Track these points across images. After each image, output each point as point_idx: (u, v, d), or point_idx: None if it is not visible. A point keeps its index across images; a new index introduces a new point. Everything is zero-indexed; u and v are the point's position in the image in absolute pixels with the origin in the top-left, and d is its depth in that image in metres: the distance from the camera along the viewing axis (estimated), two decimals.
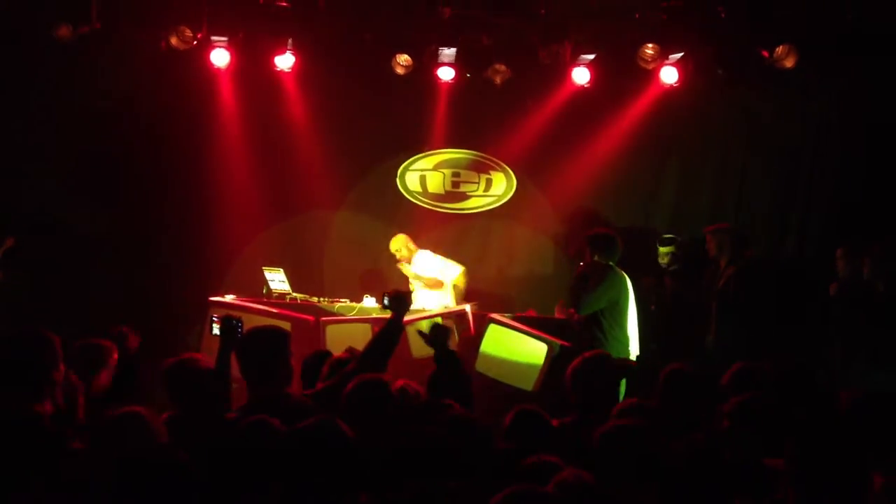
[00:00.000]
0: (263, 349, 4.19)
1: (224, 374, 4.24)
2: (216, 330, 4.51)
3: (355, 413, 3.76)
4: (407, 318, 7.38)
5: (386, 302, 4.72)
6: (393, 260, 8.63)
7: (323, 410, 3.81)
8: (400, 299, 4.68)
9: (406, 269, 8.50)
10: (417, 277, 8.44)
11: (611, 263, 6.95)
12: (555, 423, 4.18)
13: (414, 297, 8.02)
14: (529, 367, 7.22)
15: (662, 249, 8.05)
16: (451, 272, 8.48)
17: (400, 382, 4.86)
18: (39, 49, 8.09)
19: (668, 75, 8.15)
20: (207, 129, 8.90)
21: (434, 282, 8.46)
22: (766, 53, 7.78)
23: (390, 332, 4.58)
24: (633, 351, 7.02)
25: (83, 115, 8.56)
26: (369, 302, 8.01)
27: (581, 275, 6.98)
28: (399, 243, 8.56)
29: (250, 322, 4.94)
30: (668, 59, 8.04)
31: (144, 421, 3.39)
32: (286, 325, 7.50)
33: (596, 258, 6.95)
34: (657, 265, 8.10)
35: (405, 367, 6.08)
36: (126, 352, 5.03)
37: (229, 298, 8.00)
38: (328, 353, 5.13)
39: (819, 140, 8.33)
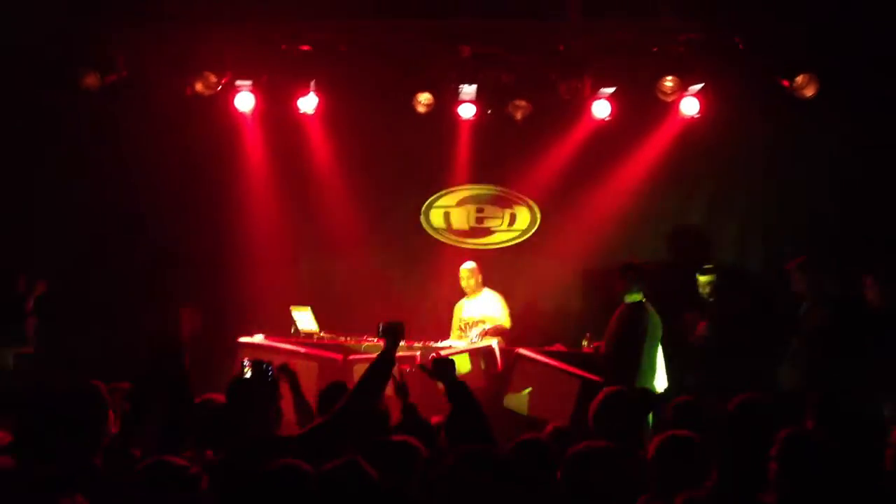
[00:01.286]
0: (261, 393, 4.24)
1: (243, 412, 4.19)
2: (247, 374, 4.52)
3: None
4: (434, 355, 7.52)
5: (380, 331, 4.51)
6: (453, 293, 8.55)
7: (314, 449, 3.79)
8: (393, 329, 4.45)
9: (462, 311, 8.41)
10: (479, 322, 8.32)
11: (643, 300, 6.93)
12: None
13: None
14: (561, 401, 7.17)
15: (702, 279, 7.85)
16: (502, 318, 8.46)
17: (436, 419, 4.87)
18: (67, 97, 8.24)
19: (689, 107, 8.16)
20: (233, 172, 9.02)
21: (500, 329, 8.33)
22: (786, 83, 7.78)
23: (382, 363, 4.35)
24: (661, 384, 6.98)
25: (110, 162, 8.69)
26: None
27: (625, 321, 6.91)
28: (470, 273, 8.49)
29: (280, 362, 4.98)
30: (687, 90, 8.06)
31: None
32: (314, 365, 7.57)
33: (631, 289, 6.92)
34: (696, 296, 7.96)
35: (435, 405, 6.08)
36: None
37: (258, 338, 8.04)
38: (345, 385, 5.10)
39: (842, 170, 8.27)
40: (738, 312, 7.75)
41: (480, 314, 8.39)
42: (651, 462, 3.77)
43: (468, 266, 8.54)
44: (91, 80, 8.03)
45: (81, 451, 3.82)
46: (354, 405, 4.16)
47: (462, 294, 8.65)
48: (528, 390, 7.42)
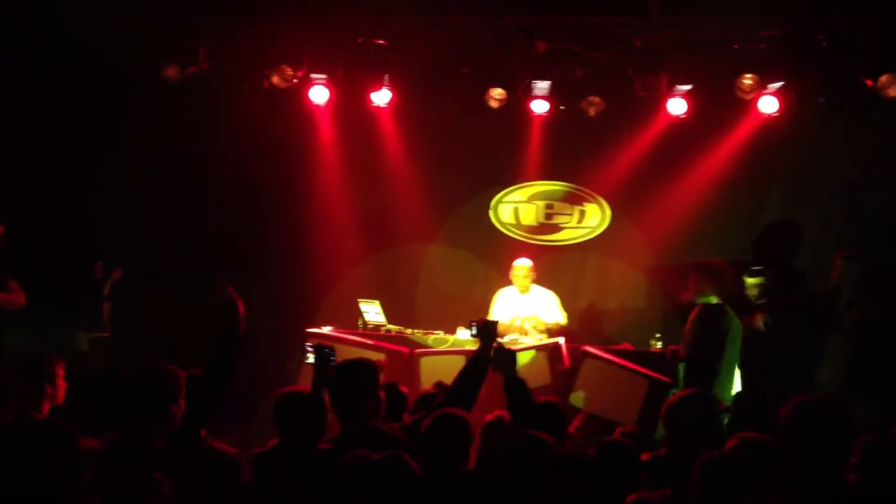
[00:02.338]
0: (352, 382, 4.20)
1: (318, 402, 4.24)
2: (310, 359, 4.55)
3: (433, 448, 3.75)
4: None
5: (474, 331, 4.63)
6: (509, 286, 8.45)
7: (412, 443, 3.82)
8: (488, 328, 4.56)
9: (516, 307, 8.34)
10: (534, 318, 8.29)
11: (717, 301, 6.79)
12: (645, 456, 4.12)
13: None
14: (627, 401, 7.09)
15: (750, 281, 7.73)
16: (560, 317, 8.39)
17: (496, 413, 4.86)
18: (147, 88, 8.42)
19: (768, 105, 8.00)
20: (306, 164, 9.14)
21: (560, 327, 8.24)
22: (869, 82, 7.58)
23: (478, 362, 4.48)
24: (736, 387, 6.86)
25: (187, 152, 8.87)
26: (463, 334, 8.04)
27: (704, 323, 6.79)
28: (529, 270, 8.32)
29: (346, 353, 5.03)
30: (766, 88, 7.90)
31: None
32: (381, 357, 7.62)
33: (707, 290, 6.79)
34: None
35: (500, 397, 6.08)
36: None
37: (326, 330, 8.12)
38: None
39: None
40: (790, 313, 7.58)
41: (536, 311, 8.31)
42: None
43: (526, 263, 8.39)
44: (172, 72, 8.21)
45: (150, 432, 3.89)
46: (451, 401, 4.22)
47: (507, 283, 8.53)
48: (595, 388, 7.33)
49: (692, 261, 7.19)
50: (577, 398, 7.34)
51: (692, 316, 6.93)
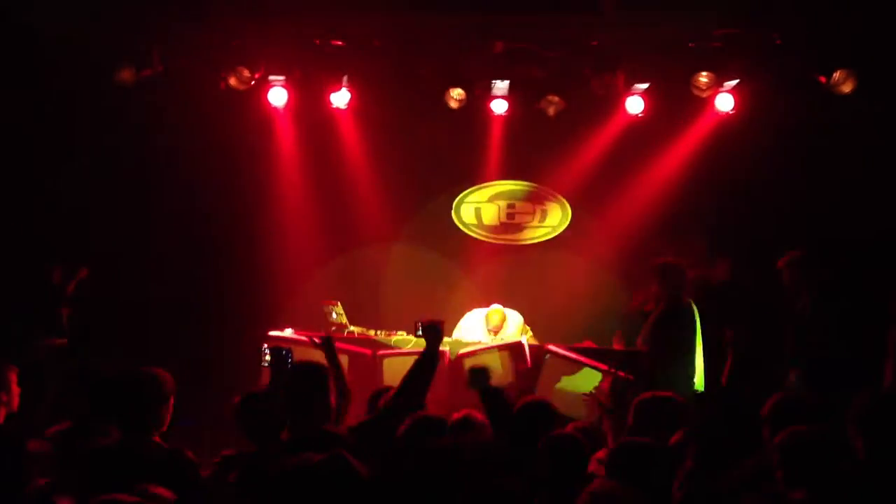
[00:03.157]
0: (301, 385, 4.13)
1: (273, 404, 4.16)
2: (265, 361, 4.51)
3: (412, 451, 3.72)
4: (464, 350, 7.53)
5: (419, 332, 4.53)
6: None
7: (360, 446, 3.79)
8: (433, 329, 4.45)
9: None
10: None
11: (679, 296, 6.86)
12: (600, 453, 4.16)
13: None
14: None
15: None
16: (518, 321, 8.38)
17: (464, 412, 4.85)
18: (101, 91, 8.31)
19: (724, 103, 8.08)
20: (266, 167, 9.08)
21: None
22: (822, 79, 7.68)
23: (425, 363, 4.36)
24: (697, 383, 6.92)
25: (143, 155, 8.77)
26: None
27: (663, 314, 6.85)
28: (500, 316, 8.22)
29: (308, 356, 4.98)
30: (723, 86, 7.99)
31: None
32: (343, 359, 7.54)
33: (664, 289, 6.85)
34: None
35: (462, 400, 6.07)
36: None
37: (287, 332, 8.07)
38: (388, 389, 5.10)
39: (879, 168, 8.15)
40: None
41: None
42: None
43: (498, 308, 8.28)
44: (127, 75, 8.10)
45: (145, 437, 3.86)
46: (400, 404, 4.16)
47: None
48: (556, 385, 7.36)
49: (650, 261, 7.22)
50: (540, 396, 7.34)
51: (655, 312, 7.00)
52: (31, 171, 8.41)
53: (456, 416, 4.76)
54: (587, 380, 7.29)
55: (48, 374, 7.53)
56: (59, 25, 7.27)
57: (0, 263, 8.06)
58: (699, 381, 7.01)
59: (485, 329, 8.25)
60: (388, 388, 5.09)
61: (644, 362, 6.88)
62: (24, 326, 7.91)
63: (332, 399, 4.19)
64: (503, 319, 8.24)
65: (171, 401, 4.01)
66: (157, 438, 3.87)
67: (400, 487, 3.24)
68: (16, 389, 4.83)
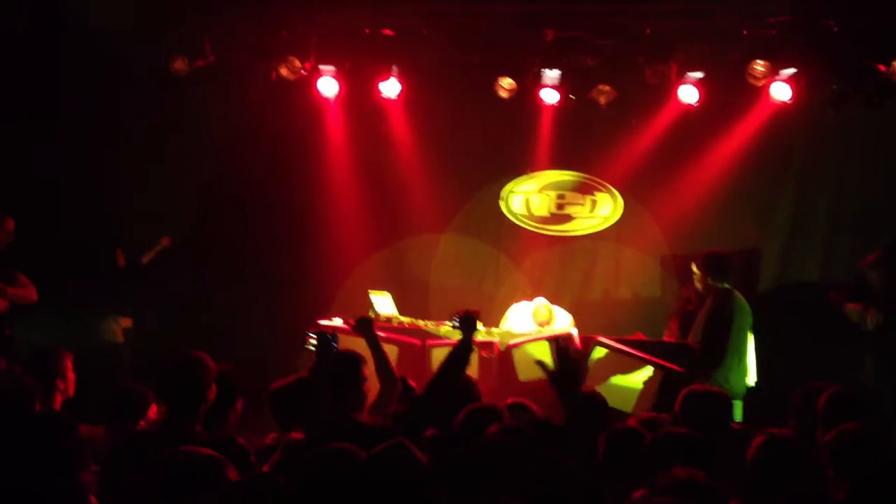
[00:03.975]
0: (335, 373, 4.16)
1: (316, 390, 4.15)
2: (310, 346, 4.46)
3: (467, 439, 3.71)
4: (514, 341, 7.49)
5: (455, 322, 4.47)
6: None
7: (396, 434, 3.79)
8: (469, 320, 4.43)
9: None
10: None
11: (728, 286, 6.74)
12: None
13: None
14: (632, 390, 7.05)
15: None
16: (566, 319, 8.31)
17: (510, 400, 4.82)
18: (155, 81, 8.42)
19: (780, 92, 7.93)
20: (316, 157, 9.12)
21: None
22: (882, 67, 7.50)
23: (459, 354, 4.35)
24: (752, 378, 6.81)
25: (195, 145, 8.86)
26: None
27: (711, 309, 6.73)
28: (547, 311, 8.09)
29: (356, 346, 4.99)
30: (779, 75, 7.83)
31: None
32: (393, 349, 7.59)
33: (710, 281, 6.75)
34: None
35: (512, 391, 6.06)
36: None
37: (336, 322, 8.10)
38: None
39: None
40: None
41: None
42: (751, 463, 3.65)
43: (543, 302, 8.17)
44: (179, 65, 8.19)
45: (191, 419, 3.91)
46: (434, 394, 4.16)
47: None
48: (604, 377, 7.29)
49: (697, 252, 7.10)
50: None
51: (704, 307, 6.89)
52: (87, 160, 8.54)
53: (509, 401, 4.77)
54: (637, 373, 7.22)
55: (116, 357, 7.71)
56: (113, 18, 7.34)
57: (64, 249, 8.20)
58: (751, 376, 6.91)
59: (533, 323, 8.21)
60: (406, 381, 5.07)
61: (694, 356, 6.79)
62: (92, 310, 8.08)
63: (365, 387, 4.21)
64: (550, 314, 8.17)
65: (213, 387, 4.05)
66: (198, 427, 3.90)
67: (458, 476, 3.23)
68: (71, 376, 4.91)
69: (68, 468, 3.23)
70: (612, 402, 7.09)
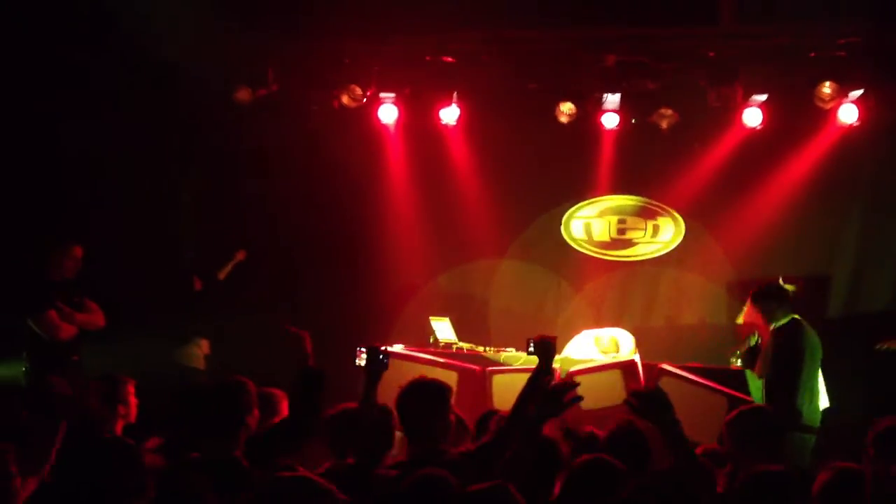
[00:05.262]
0: (422, 404, 4.07)
1: (368, 410, 4.08)
2: (360, 361, 4.34)
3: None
4: (575, 368, 7.40)
5: (531, 349, 4.35)
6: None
7: (477, 468, 3.72)
8: (546, 346, 4.32)
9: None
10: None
11: (795, 318, 6.55)
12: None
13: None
14: (707, 419, 6.87)
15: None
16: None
17: (588, 429, 4.74)
18: (219, 110, 8.56)
19: (848, 114, 7.76)
20: (376, 183, 9.17)
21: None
22: None
23: (538, 381, 4.21)
24: (823, 404, 6.61)
25: (259, 173, 8.97)
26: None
27: (773, 340, 6.54)
28: (611, 342, 7.93)
29: (418, 372, 4.96)
30: (847, 97, 7.67)
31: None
32: (452, 375, 7.56)
33: (772, 312, 6.53)
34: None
35: (577, 419, 5.97)
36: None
37: (397, 348, 8.10)
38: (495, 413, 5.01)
39: None
40: None
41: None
42: (817, 497, 3.54)
43: (610, 334, 7.97)
44: (243, 94, 8.33)
45: (229, 446, 3.89)
46: (515, 423, 4.05)
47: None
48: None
49: (750, 287, 6.88)
50: None
51: (769, 336, 6.68)
52: (157, 189, 8.69)
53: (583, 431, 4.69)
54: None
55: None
56: (177, 46, 7.49)
57: (140, 276, 8.31)
58: (820, 402, 6.69)
59: (596, 352, 8.10)
60: (495, 412, 5.01)
61: (768, 390, 6.60)
62: (173, 337, 8.18)
63: (452, 417, 4.13)
64: (615, 344, 8.03)
65: (255, 412, 4.03)
66: (237, 453, 3.89)
67: None
68: (133, 402, 4.98)
69: (128, 494, 3.25)
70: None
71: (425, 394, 4.12)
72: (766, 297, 6.55)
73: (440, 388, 4.17)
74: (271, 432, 4.22)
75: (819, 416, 6.50)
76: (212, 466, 3.69)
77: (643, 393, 3.69)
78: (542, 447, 3.96)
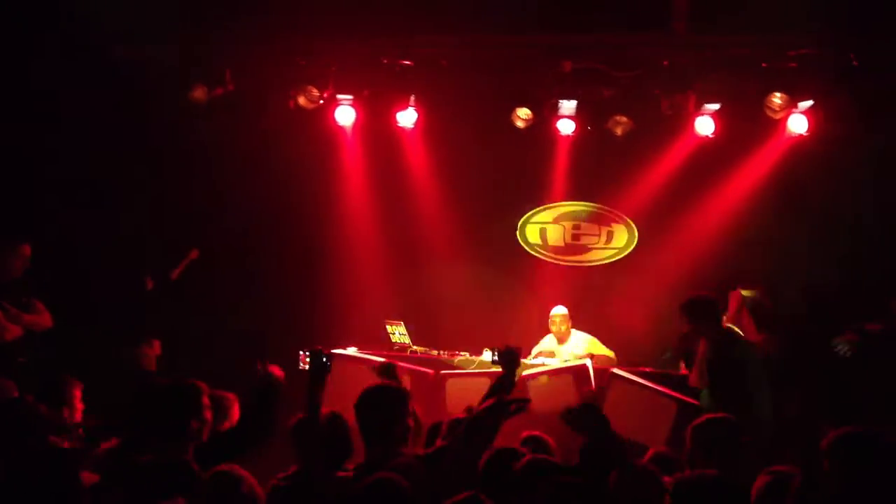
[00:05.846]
0: (380, 408, 4.06)
1: (314, 414, 4.03)
2: (304, 366, 4.29)
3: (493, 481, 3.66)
4: (527, 372, 7.44)
5: (495, 357, 4.40)
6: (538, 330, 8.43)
7: (433, 472, 3.74)
8: (510, 355, 4.39)
9: (558, 355, 8.19)
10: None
11: (726, 330, 6.62)
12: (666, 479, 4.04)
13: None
14: (657, 423, 6.95)
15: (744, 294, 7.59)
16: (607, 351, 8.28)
17: (525, 434, 4.76)
18: (175, 108, 8.46)
19: (798, 125, 7.91)
20: (331, 185, 9.14)
21: (607, 360, 8.11)
22: None
23: (502, 390, 4.29)
24: (766, 413, 6.71)
25: (213, 173, 8.88)
26: (489, 355, 7.94)
27: (708, 352, 6.61)
28: (563, 318, 8.28)
29: (371, 375, 4.94)
30: (797, 107, 7.81)
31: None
32: (406, 379, 7.56)
33: (697, 327, 6.58)
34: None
35: (528, 422, 6.00)
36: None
37: (351, 351, 8.07)
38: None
39: None
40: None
41: (582, 353, 8.16)
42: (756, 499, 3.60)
43: (560, 311, 8.33)
44: (199, 94, 8.25)
45: (175, 448, 3.87)
46: (477, 431, 4.03)
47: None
48: (623, 410, 7.20)
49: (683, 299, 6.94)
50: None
51: (701, 349, 6.73)
52: (110, 187, 8.57)
53: (524, 435, 4.71)
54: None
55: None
56: (135, 48, 7.41)
57: (89, 275, 8.18)
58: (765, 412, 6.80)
59: (552, 338, 8.25)
60: (441, 423, 5.01)
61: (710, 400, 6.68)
62: (124, 338, 8.06)
63: (411, 421, 4.12)
64: (565, 325, 8.21)
65: (208, 415, 4.00)
66: (188, 456, 3.86)
67: None
68: (79, 406, 4.90)
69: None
70: (628, 433, 7.05)
71: (383, 398, 4.12)
72: (692, 311, 6.57)
73: (398, 393, 4.18)
74: (221, 437, 4.19)
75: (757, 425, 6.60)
76: (162, 469, 3.65)
77: (576, 408, 3.74)
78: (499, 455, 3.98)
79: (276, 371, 4.23)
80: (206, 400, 4.07)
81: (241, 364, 7.72)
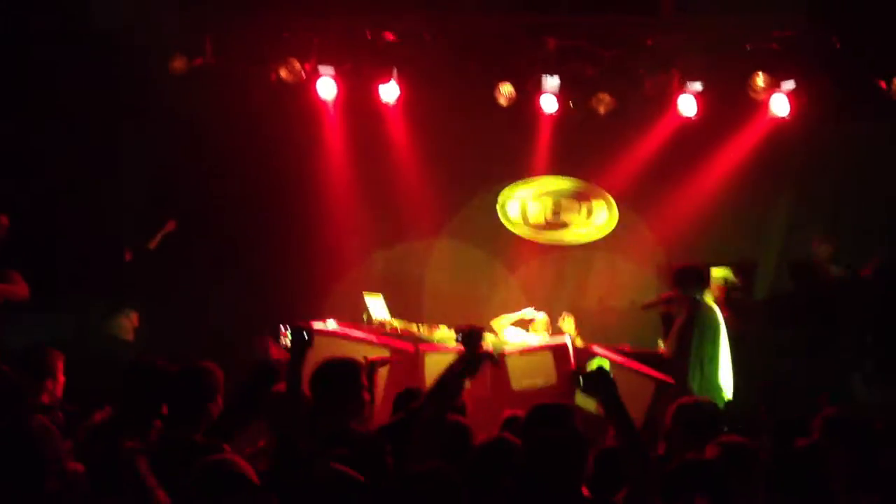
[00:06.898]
0: (333, 381, 4.07)
1: (294, 390, 3.99)
2: (285, 341, 4.26)
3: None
4: (507, 350, 7.46)
5: (459, 338, 4.32)
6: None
7: (387, 445, 3.78)
8: (473, 336, 4.30)
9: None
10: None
11: (697, 297, 6.76)
12: None
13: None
14: (634, 401, 7.01)
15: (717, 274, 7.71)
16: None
17: (507, 413, 4.80)
18: (154, 80, 8.38)
19: (779, 106, 7.94)
20: (312, 159, 9.09)
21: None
22: (883, 84, 7.51)
23: (463, 369, 4.22)
24: (727, 392, 6.82)
25: (192, 145, 8.81)
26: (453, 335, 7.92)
27: (683, 321, 6.74)
28: (545, 325, 8.14)
29: (350, 350, 4.94)
30: (779, 89, 7.84)
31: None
32: (385, 353, 7.57)
33: (681, 293, 6.76)
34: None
35: (504, 400, 6.04)
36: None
37: (330, 324, 8.07)
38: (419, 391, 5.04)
39: None
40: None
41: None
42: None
43: (544, 318, 8.17)
44: (178, 64, 8.17)
45: (191, 429, 3.90)
46: (430, 408, 4.07)
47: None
48: None
49: (671, 266, 7.12)
50: (584, 399, 7.27)
51: (678, 319, 6.91)
52: (89, 159, 8.49)
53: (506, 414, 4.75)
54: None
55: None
56: (114, 17, 7.32)
57: (67, 247, 8.14)
58: (727, 389, 6.91)
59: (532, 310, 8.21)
60: (416, 390, 5.03)
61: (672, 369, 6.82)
62: (102, 307, 8.02)
63: (367, 395, 4.14)
64: (545, 325, 8.16)
65: (219, 399, 4.03)
66: (198, 437, 3.87)
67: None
68: (61, 378, 4.86)
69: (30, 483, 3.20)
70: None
71: (334, 373, 4.10)
72: (681, 278, 6.77)
73: (350, 367, 4.16)
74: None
75: (721, 400, 6.70)
76: (174, 446, 3.70)
77: (590, 371, 3.65)
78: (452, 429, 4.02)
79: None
80: (220, 384, 4.08)
81: (221, 337, 7.86)
